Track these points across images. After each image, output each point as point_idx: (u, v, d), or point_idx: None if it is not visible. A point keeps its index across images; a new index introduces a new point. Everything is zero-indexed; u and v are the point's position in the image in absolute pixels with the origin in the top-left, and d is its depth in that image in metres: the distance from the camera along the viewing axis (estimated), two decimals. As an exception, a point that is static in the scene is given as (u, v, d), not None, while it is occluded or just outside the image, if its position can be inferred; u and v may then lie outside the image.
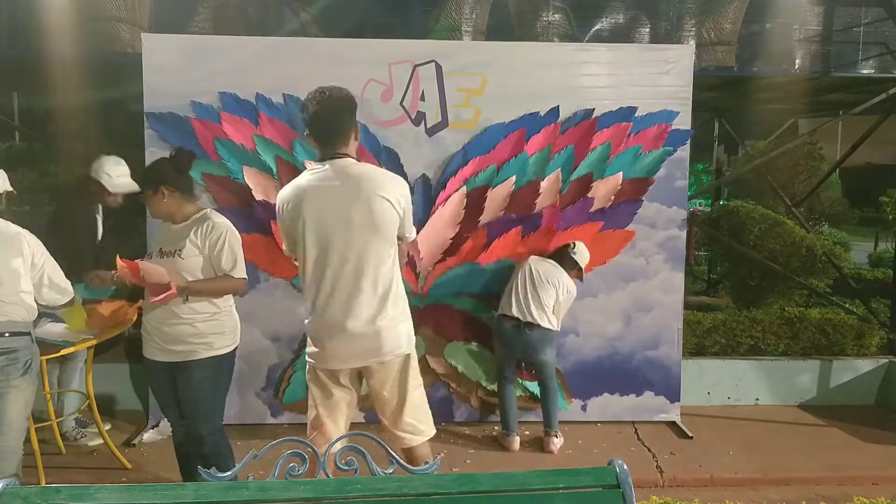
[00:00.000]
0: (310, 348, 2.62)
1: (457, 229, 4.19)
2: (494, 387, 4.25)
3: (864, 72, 5.18)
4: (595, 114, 4.20)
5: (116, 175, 3.87)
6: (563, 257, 4.07)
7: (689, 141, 4.29)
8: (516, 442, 4.02)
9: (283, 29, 4.80)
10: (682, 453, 4.02)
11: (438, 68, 4.10)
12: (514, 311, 3.91)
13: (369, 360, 2.55)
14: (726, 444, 4.15)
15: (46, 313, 3.22)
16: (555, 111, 4.18)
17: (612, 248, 4.31)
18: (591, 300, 4.32)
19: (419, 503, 1.40)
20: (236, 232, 2.89)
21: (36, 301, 2.81)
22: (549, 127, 4.19)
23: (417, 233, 3.22)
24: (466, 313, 4.27)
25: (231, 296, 2.92)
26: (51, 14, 4.34)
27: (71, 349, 3.29)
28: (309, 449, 1.48)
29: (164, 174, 2.87)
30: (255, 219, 4.08)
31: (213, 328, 2.84)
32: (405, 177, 3.46)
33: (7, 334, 2.67)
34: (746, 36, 5.00)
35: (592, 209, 4.27)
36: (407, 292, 2.69)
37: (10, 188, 3.03)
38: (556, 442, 4.01)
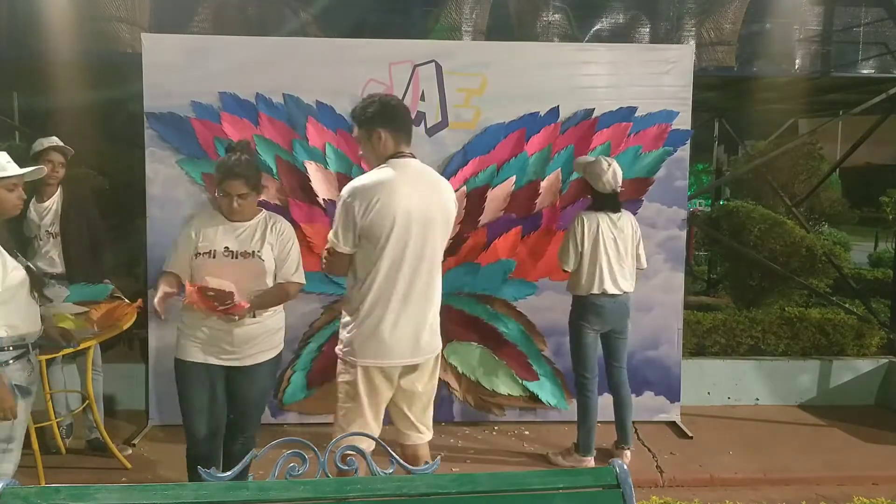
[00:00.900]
0: (358, 348, 2.55)
1: (457, 229, 4.19)
2: (494, 387, 4.25)
3: (864, 72, 5.19)
4: (595, 114, 4.20)
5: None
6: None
7: (689, 141, 4.29)
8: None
9: (283, 29, 4.80)
10: (682, 453, 4.02)
11: (438, 68, 4.10)
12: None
13: (426, 355, 2.61)
14: (726, 444, 4.15)
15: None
16: (555, 111, 4.18)
17: (612, 248, 4.30)
18: (591, 300, 4.31)
19: (419, 503, 1.40)
20: None
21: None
22: (549, 127, 4.19)
23: None
24: (466, 313, 4.27)
25: None
26: (51, 14, 4.34)
27: (69, 350, 3.26)
28: (309, 449, 1.48)
29: (259, 171, 2.78)
30: (255, 219, 4.07)
31: (277, 323, 2.83)
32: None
33: None
34: (746, 36, 5.00)
35: (592, 209, 4.27)
36: None
37: None
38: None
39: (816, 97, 6.06)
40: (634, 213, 4.27)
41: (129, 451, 3.87)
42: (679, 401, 4.43)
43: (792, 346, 4.96)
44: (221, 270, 2.65)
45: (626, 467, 1.45)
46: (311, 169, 4.07)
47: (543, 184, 4.22)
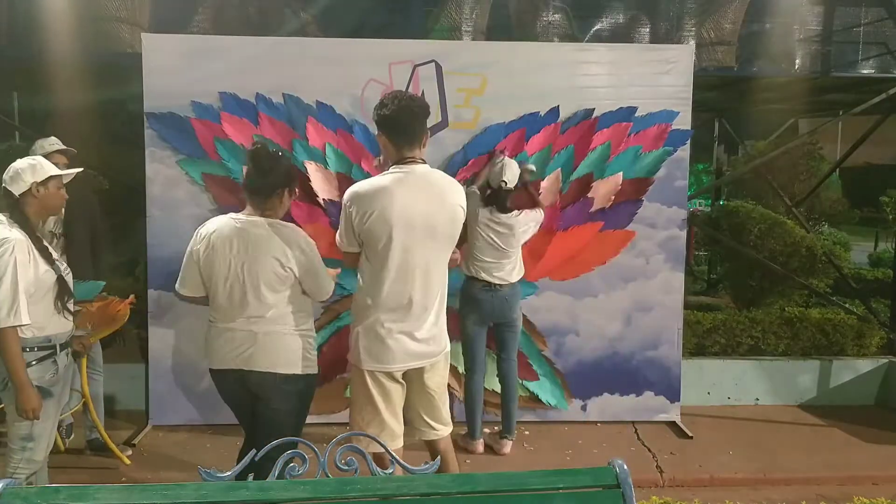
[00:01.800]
0: (365, 354, 2.58)
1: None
2: (494, 387, 4.25)
3: (864, 72, 5.18)
4: (595, 114, 4.20)
5: None
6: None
7: (689, 141, 4.29)
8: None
9: (283, 29, 4.80)
10: (682, 453, 4.02)
11: (438, 68, 4.10)
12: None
13: (432, 358, 2.63)
14: (726, 444, 4.15)
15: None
16: (555, 111, 4.18)
17: (612, 248, 4.30)
18: (591, 300, 4.31)
19: (419, 503, 1.40)
20: None
21: None
22: (549, 127, 4.19)
23: None
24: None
25: None
26: (51, 14, 4.34)
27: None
28: (309, 449, 1.48)
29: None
30: (255, 219, 4.07)
31: None
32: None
33: None
34: (746, 36, 5.00)
35: (592, 209, 4.27)
36: None
37: None
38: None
39: (816, 97, 6.06)
40: (634, 213, 4.29)
41: (130, 452, 3.87)
42: (679, 401, 4.42)
43: (792, 346, 4.96)
44: None
45: (625, 467, 1.45)
46: (311, 169, 4.07)
47: (543, 184, 4.21)
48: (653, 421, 4.40)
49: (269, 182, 2.62)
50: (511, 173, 3.73)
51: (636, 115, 4.21)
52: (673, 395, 4.41)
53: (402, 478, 1.44)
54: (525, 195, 3.97)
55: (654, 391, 4.40)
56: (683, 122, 4.25)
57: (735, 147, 10.33)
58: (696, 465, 3.87)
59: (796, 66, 5.09)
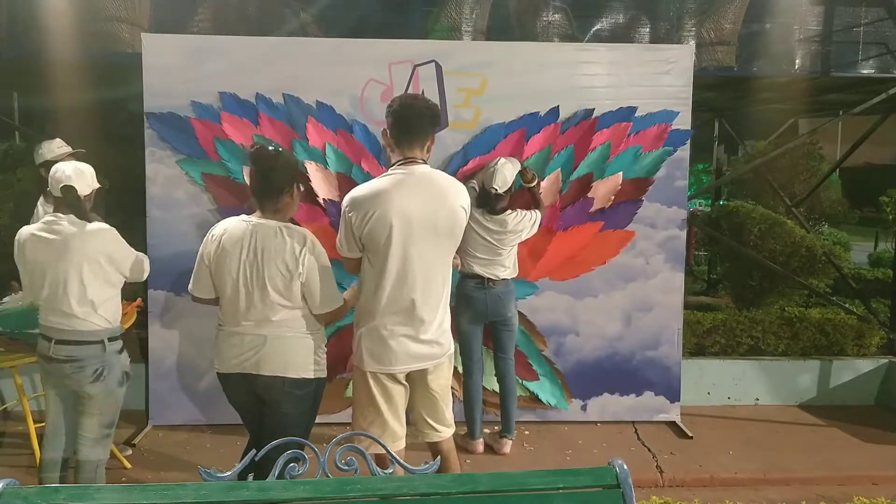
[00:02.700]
0: (367, 356, 2.58)
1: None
2: (494, 387, 4.25)
3: (864, 72, 5.18)
4: (595, 114, 4.20)
5: None
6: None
7: (689, 141, 4.29)
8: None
9: (283, 29, 4.80)
10: (682, 453, 4.02)
11: (438, 68, 4.10)
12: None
13: (435, 360, 2.63)
14: (726, 444, 4.15)
15: None
16: (555, 111, 4.18)
17: (612, 248, 4.30)
18: (591, 300, 4.31)
19: (419, 503, 1.40)
20: None
21: None
22: (549, 127, 4.19)
23: None
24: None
25: None
26: (51, 14, 4.34)
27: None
28: (309, 449, 1.48)
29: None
30: (255, 219, 4.07)
31: None
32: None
33: (73, 343, 2.71)
34: (746, 36, 4.99)
35: (592, 209, 4.27)
36: None
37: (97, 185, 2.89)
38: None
39: (816, 97, 6.05)
40: (634, 213, 4.29)
41: (129, 452, 3.87)
42: (679, 401, 4.42)
43: (792, 346, 4.96)
44: None
45: (625, 467, 1.45)
46: (311, 169, 4.07)
47: (543, 184, 4.21)
48: (653, 421, 4.40)
49: (274, 181, 2.59)
50: (501, 179, 3.69)
51: (636, 115, 4.21)
52: (673, 395, 4.41)
53: (402, 478, 1.44)
54: (525, 195, 3.97)
55: (654, 391, 4.40)
56: (683, 122, 4.25)
57: (735, 147, 10.32)
58: (696, 465, 3.87)
59: (796, 66, 5.08)
